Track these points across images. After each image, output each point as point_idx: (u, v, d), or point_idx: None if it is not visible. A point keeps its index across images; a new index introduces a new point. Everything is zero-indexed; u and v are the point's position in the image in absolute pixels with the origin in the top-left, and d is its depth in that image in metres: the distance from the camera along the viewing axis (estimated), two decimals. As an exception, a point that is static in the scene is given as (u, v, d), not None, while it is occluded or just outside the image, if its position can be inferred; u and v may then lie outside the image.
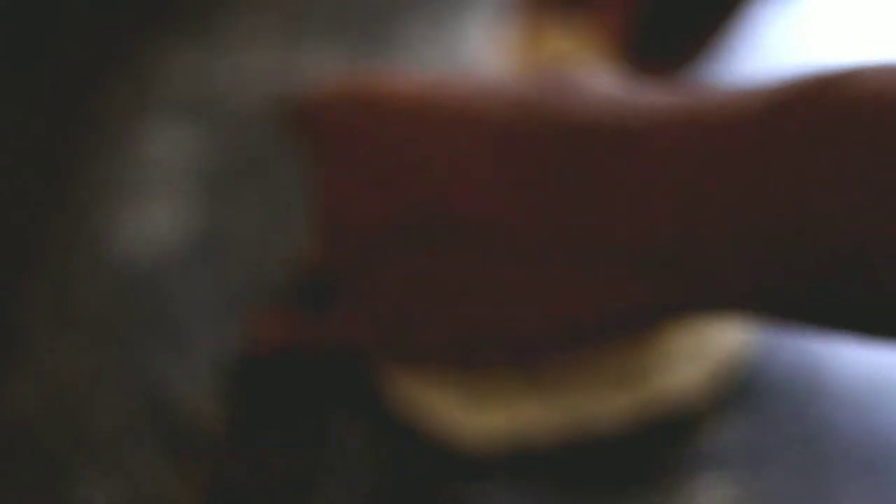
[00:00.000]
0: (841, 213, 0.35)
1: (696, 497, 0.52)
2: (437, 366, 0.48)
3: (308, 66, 0.71)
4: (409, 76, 0.48)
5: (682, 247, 0.40)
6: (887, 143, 0.34)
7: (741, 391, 0.55)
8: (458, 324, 0.46)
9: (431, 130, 0.45)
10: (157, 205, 0.64)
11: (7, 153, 0.66)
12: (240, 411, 0.55)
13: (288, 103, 0.51)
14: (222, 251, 0.61)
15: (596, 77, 0.44)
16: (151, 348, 0.57)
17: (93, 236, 0.62)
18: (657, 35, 0.58)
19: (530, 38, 0.56)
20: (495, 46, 0.57)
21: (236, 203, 0.64)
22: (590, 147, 0.41)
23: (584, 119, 0.42)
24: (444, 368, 0.48)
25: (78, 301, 0.59)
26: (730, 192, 0.38)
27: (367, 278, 0.47)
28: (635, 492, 0.52)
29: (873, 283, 0.36)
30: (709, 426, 0.54)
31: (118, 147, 0.66)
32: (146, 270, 0.60)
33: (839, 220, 0.35)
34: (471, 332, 0.46)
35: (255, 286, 0.60)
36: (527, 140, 0.43)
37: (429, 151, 0.44)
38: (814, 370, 0.56)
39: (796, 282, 0.38)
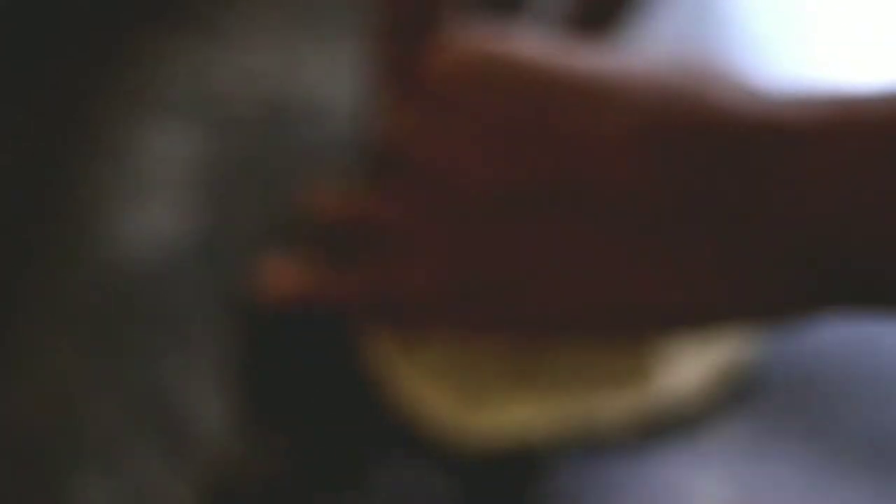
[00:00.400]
0: None
1: (696, 496, 0.52)
2: (514, 334, 0.47)
3: (311, 66, 0.71)
4: (539, 41, 0.47)
5: (834, 238, 0.40)
6: None
7: (741, 390, 0.55)
8: (570, 291, 0.45)
9: (564, 102, 0.44)
10: (157, 204, 0.64)
11: (6, 153, 0.66)
12: (241, 412, 0.55)
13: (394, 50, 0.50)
14: (223, 251, 0.61)
15: (727, 69, 0.44)
16: (152, 349, 0.57)
17: (93, 236, 0.62)
18: None
19: None
20: None
21: (236, 203, 0.64)
22: (744, 141, 0.42)
23: (734, 112, 0.42)
24: (520, 338, 0.47)
25: (78, 301, 0.59)
26: (888, 186, 0.39)
27: (457, 241, 0.46)
28: (634, 491, 0.52)
29: None
30: (709, 425, 0.54)
31: (118, 147, 0.67)
32: (147, 270, 0.60)
33: None
34: (583, 299, 0.45)
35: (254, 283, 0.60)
36: (672, 124, 0.43)
37: (559, 122, 0.44)
38: (813, 368, 0.56)
39: None
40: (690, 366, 0.55)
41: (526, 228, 0.44)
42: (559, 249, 0.44)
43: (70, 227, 0.62)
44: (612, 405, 0.53)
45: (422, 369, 0.54)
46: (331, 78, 0.71)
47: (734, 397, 0.55)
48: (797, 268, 0.42)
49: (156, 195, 0.64)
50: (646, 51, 0.45)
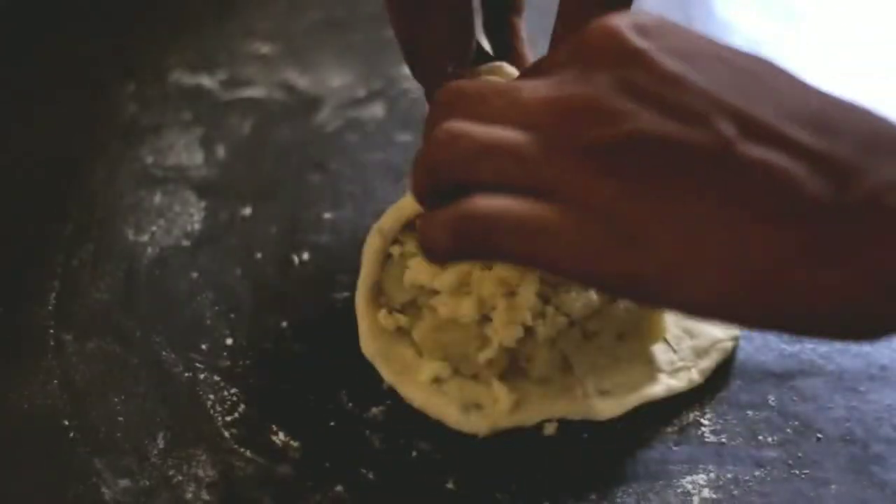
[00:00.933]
0: None
1: (691, 493, 0.52)
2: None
3: (314, 75, 0.71)
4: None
5: None
6: None
7: (735, 389, 0.55)
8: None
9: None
10: (160, 204, 0.64)
11: (11, 154, 0.66)
12: (249, 408, 0.55)
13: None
14: (223, 250, 0.61)
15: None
16: (159, 345, 0.57)
17: (97, 235, 0.62)
18: None
19: None
20: None
21: (236, 203, 0.64)
22: None
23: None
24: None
25: (84, 298, 0.59)
26: None
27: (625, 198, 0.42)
28: (631, 488, 0.52)
29: None
30: (703, 423, 0.54)
31: (121, 150, 0.66)
32: (152, 268, 0.60)
33: None
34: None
35: (255, 283, 0.60)
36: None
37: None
38: (804, 367, 0.56)
39: None
40: (684, 364, 0.55)
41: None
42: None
43: (74, 226, 0.62)
44: (608, 401, 0.53)
45: (426, 379, 0.55)
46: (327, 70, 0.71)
47: (728, 395, 0.55)
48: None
49: (158, 195, 0.64)
50: None
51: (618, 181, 0.40)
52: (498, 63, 0.55)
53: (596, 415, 0.53)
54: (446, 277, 0.53)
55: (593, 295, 0.53)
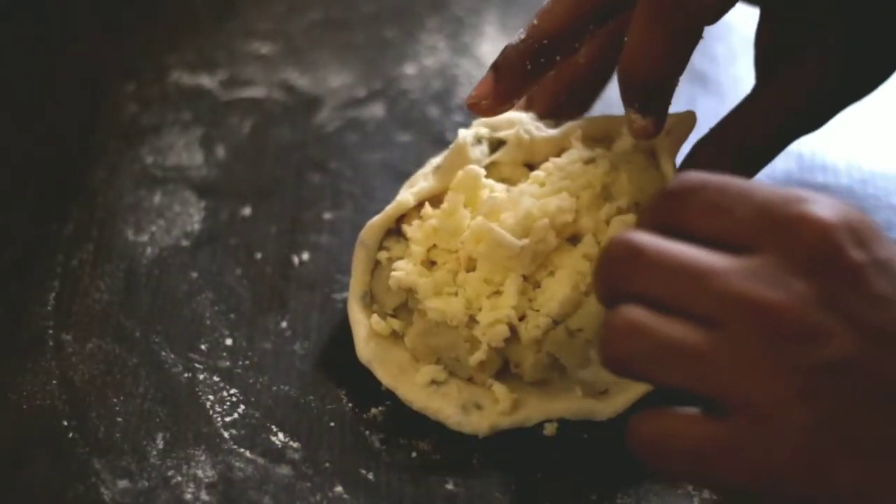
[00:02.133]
0: None
1: (691, 494, 0.52)
2: None
3: (314, 75, 0.71)
4: None
5: None
6: None
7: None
8: None
9: None
10: (159, 204, 0.64)
11: (11, 154, 0.66)
12: (249, 409, 0.55)
13: None
14: (223, 250, 0.61)
15: None
16: (159, 345, 0.57)
17: (97, 235, 0.62)
18: None
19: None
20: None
21: (236, 203, 0.64)
22: None
23: None
24: None
25: (84, 298, 0.59)
26: None
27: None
28: (631, 488, 0.52)
29: None
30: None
31: (121, 150, 0.66)
32: (152, 268, 0.60)
33: None
34: None
35: (255, 283, 0.60)
36: None
37: None
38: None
39: None
40: None
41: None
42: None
43: (75, 226, 0.62)
44: (608, 402, 0.53)
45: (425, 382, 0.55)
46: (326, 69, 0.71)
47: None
48: None
49: (158, 195, 0.64)
50: None
51: (814, 403, 0.39)
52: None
53: (595, 415, 0.53)
54: (426, 281, 0.53)
55: (568, 291, 0.52)
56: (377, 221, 0.55)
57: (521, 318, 0.52)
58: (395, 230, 0.56)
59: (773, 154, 0.54)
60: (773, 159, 0.54)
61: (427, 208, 0.55)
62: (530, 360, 0.53)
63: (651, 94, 0.50)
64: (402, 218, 0.56)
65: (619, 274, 0.42)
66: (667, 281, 0.41)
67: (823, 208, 0.40)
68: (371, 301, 0.56)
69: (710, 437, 0.40)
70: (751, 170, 0.54)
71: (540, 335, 0.52)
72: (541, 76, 0.53)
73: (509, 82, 0.53)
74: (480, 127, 0.56)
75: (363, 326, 0.55)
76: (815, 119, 0.54)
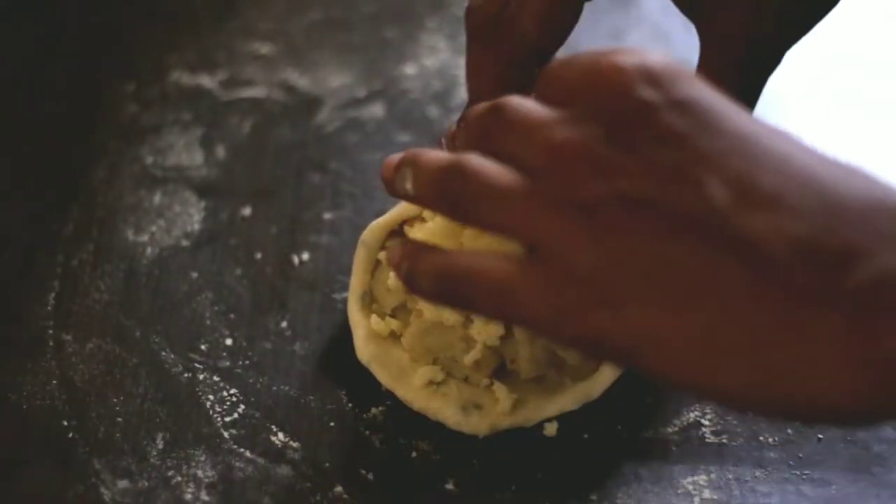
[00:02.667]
0: None
1: (692, 494, 0.52)
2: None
3: (314, 75, 0.71)
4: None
5: None
6: None
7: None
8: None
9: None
10: (159, 204, 0.64)
11: (11, 153, 0.66)
12: (249, 409, 0.55)
13: None
14: (223, 250, 0.61)
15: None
16: (159, 345, 0.57)
17: (97, 235, 0.62)
18: None
19: None
20: None
21: (236, 203, 0.64)
22: None
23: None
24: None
25: (84, 298, 0.59)
26: None
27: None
28: (631, 488, 0.52)
29: None
30: (703, 423, 0.54)
31: (121, 150, 0.66)
32: (152, 268, 0.60)
33: None
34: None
35: (255, 283, 0.60)
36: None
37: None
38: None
39: None
40: None
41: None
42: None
43: (74, 225, 0.62)
44: (598, 378, 0.53)
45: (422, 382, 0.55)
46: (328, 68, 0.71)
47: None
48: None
49: (158, 195, 0.64)
50: None
51: (598, 243, 0.40)
52: None
53: (591, 396, 0.53)
54: None
55: None
56: (380, 223, 0.55)
57: None
58: (397, 230, 0.56)
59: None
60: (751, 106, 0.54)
61: (429, 212, 0.55)
62: (525, 355, 0.53)
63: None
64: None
65: (483, 127, 0.44)
66: (507, 133, 0.43)
67: (624, 56, 0.42)
68: (371, 301, 0.56)
69: (511, 274, 0.41)
70: None
71: None
72: None
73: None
74: None
75: (363, 327, 0.55)
76: (772, 51, 0.53)
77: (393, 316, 0.55)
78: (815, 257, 0.38)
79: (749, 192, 0.39)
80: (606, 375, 0.53)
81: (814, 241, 0.38)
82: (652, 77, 0.41)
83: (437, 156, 0.45)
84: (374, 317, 0.55)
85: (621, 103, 0.41)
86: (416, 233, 0.54)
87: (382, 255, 0.56)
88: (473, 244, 0.52)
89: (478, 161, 0.42)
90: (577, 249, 0.40)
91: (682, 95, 0.41)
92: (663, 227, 0.39)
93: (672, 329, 0.39)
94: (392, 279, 0.54)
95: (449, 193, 0.43)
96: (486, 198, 0.42)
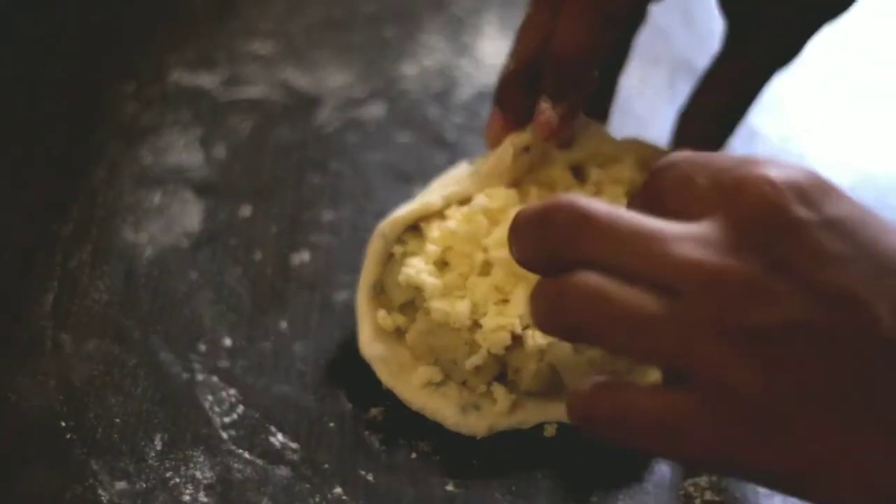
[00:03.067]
0: None
1: (692, 496, 0.52)
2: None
3: (314, 75, 0.71)
4: None
5: None
6: None
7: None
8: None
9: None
10: (159, 204, 0.64)
11: (11, 153, 0.66)
12: (248, 409, 0.55)
13: None
14: (223, 250, 0.61)
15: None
16: (158, 345, 0.57)
17: (96, 235, 0.62)
18: None
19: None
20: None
21: (236, 203, 0.64)
22: None
23: None
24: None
25: (83, 298, 0.59)
26: None
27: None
28: (632, 490, 0.52)
29: None
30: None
31: (121, 150, 0.66)
32: (151, 268, 0.60)
33: None
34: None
35: (255, 283, 0.60)
36: None
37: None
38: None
39: None
40: None
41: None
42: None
43: (74, 225, 0.62)
44: None
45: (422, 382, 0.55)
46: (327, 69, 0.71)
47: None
48: None
49: (158, 195, 0.64)
50: None
51: (767, 370, 0.38)
52: (595, 123, 0.56)
53: None
54: (435, 281, 0.53)
55: None
56: (401, 217, 0.55)
57: (527, 327, 0.52)
58: (413, 225, 0.56)
59: (748, 103, 0.55)
60: (750, 104, 0.55)
61: (452, 208, 0.54)
62: (531, 369, 0.52)
63: (568, 77, 0.51)
64: None
65: (563, 239, 0.41)
66: (617, 248, 0.40)
67: (770, 169, 0.40)
68: (380, 292, 0.56)
69: (669, 409, 0.39)
70: (737, 116, 0.56)
71: (545, 345, 0.52)
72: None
73: (514, 111, 0.54)
74: (526, 133, 0.55)
75: (369, 320, 0.55)
76: (786, 50, 0.53)
77: (400, 311, 0.55)
78: None
79: None
80: None
81: None
82: (805, 194, 0.40)
83: (541, 282, 0.41)
84: (381, 311, 0.55)
85: (776, 222, 0.39)
86: (433, 231, 0.54)
87: (397, 249, 0.55)
88: (498, 252, 0.52)
89: (600, 282, 0.39)
90: (745, 377, 0.38)
91: (834, 214, 0.39)
92: (835, 354, 0.38)
93: (851, 459, 0.38)
94: (402, 275, 0.54)
95: (576, 326, 0.40)
96: (619, 324, 0.39)
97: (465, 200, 0.55)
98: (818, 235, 0.39)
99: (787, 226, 0.39)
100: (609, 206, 0.41)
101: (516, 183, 0.56)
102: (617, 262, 0.40)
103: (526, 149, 0.55)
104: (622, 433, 0.40)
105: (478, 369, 0.53)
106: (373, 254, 0.55)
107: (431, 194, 0.55)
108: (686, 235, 0.39)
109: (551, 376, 0.53)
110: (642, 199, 0.43)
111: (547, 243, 0.41)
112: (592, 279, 0.40)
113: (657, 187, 0.42)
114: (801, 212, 0.39)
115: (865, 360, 0.38)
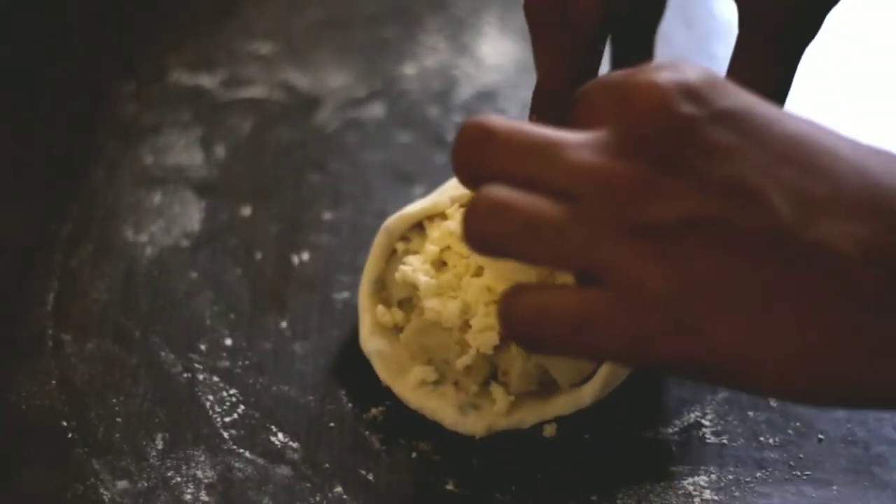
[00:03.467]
0: None
1: (692, 494, 0.52)
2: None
3: (314, 75, 0.71)
4: None
5: None
6: None
7: (735, 395, 0.55)
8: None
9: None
10: (159, 204, 0.64)
11: (11, 153, 0.66)
12: (248, 409, 0.55)
13: None
14: (223, 250, 0.61)
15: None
16: (158, 345, 0.57)
17: (97, 235, 0.62)
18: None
19: None
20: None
21: (236, 203, 0.64)
22: None
23: None
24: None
25: (84, 298, 0.59)
26: None
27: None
28: (632, 489, 0.52)
29: None
30: (704, 424, 0.54)
31: (121, 150, 0.66)
32: (151, 268, 0.60)
33: None
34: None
35: (255, 283, 0.60)
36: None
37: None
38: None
39: None
40: None
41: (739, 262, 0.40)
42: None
43: (74, 225, 0.62)
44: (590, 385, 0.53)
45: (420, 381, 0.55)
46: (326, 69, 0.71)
47: (727, 402, 0.55)
48: None
49: (158, 195, 0.64)
50: None
51: (669, 266, 0.39)
52: None
53: (582, 402, 0.53)
54: (430, 280, 0.53)
55: None
56: (408, 213, 0.55)
57: None
58: (420, 223, 0.55)
59: (786, 79, 0.53)
60: (789, 82, 0.53)
61: (453, 208, 0.54)
62: (518, 369, 0.52)
63: (546, 102, 0.52)
64: None
65: (474, 155, 0.42)
66: (521, 158, 0.41)
67: (658, 73, 0.41)
68: (382, 288, 0.56)
69: (584, 307, 0.40)
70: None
71: None
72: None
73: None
74: None
75: (369, 315, 0.55)
76: (806, 26, 0.52)
77: (399, 307, 0.55)
78: (883, 260, 0.38)
79: (808, 199, 0.39)
80: (596, 386, 0.52)
81: (878, 243, 0.38)
82: (691, 91, 0.40)
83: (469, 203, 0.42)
84: (380, 307, 0.55)
85: (663, 121, 0.40)
86: (434, 231, 0.54)
87: (400, 246, 0.55)
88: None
89: (503, 193, 0.41)
90: (648, 274, 0.39)
91: (723, 107, 0.40)
92: (733, 243, 0.39)
93: (759, 343, 0.39)
94: (399, 272, 0.54)
95: (487, 239, 0.41)
96: (527, 233, 0.40)
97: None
98: (708, 130, 0.40)
99: (675, 124, 0.40)
100: (512, 121, 0.42)
101: None
102: (519, 172, 0.41)
103: None
104: (540, 331, 0.41)
105: (469, 369, 0.53)
106: (376, 248, 0.55)
107: (443, 194, 0.55)
108: (581, 143, 0.41)
109: (540, 376, 0.53)
110: (572, 118, 0.44)
111: (463, 160, 0.43)
112: (494, 191, 0.41)
113: (576, 106, 0.43)
114: (688, 108, 0.40)
115: (761, 247, 0.39)
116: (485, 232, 0.41)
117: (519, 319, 0.41)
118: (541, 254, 0.41)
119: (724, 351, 0.39)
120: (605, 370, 0.52)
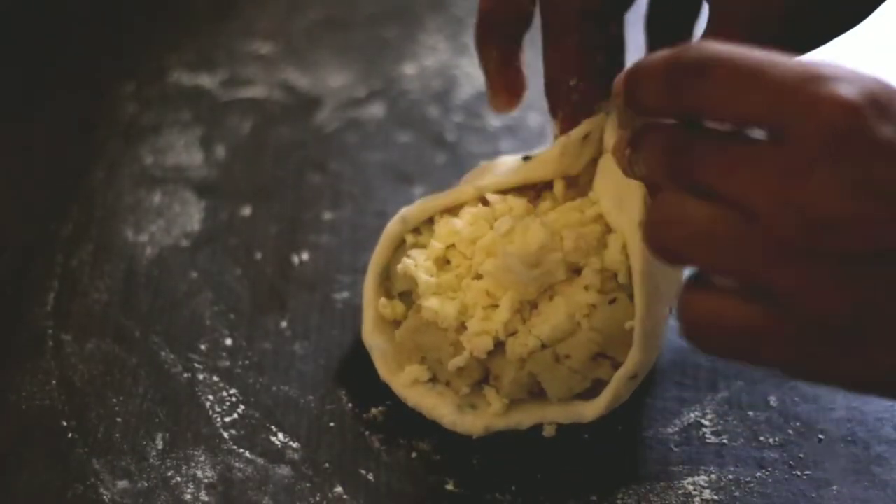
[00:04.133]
0: None
1: (692, 494, 0.52)
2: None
3: (314, 75, 0.71)
4: None
5: None
6: None
7: (737, 389, 0.55)
8: None
9: None
10: (159, 204, 0.64)
11: (11, 153, 0.66)
12: (248, 409, 0.55)
13: None
14: (223, 250, 0.61)
15: None
16: (158, 345, 0.57)
17: (97, 235, 0.62)
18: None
19: None
20: None
21: (236, 203, 0.64)
22: None
23: None
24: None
25: (84, 298, 0.59)
26: None
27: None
28: (632, 489, 0.52)
29: None
30: (704, 424, 0.54)
31: (121, 150, 0.66)
32: (151, 268, 0.60)
33: None
34: None
35: (255, 283, 0.60)
36: None
37: None
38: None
39: None
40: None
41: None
42: None
43: (74, 226, 0.62)
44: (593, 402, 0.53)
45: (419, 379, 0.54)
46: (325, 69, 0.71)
47: (728, 402, 0.55)
48: None
49: (158, 195, 0.64)
50: None
51: (857, 297, 0.38)
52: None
53: (583, 418, 0.52)
54: (429, 279, 0.53)
55: (563, 318, 0.51)
56: (429, 205, 0.55)
57: (513, 334, 0.52)
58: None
59: None
60: None
61: (465, 207, 0.54)
62: (510, 376, 0.52)
63: (549, 95, 0.52)
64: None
65: (668, 160, 0.42)
66: (709, 161, 0.41)
67: (844, 87, 0.39)
68: (387, 279, 0.55)
69: (754, 319, 0.40)
70: None
71: (525, 354, 0.51)
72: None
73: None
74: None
75: (372, 308, 0.55)
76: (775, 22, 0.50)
77: (400, 299, 0.55)
78: None
79: None
80: (600, 406, 0.52)
81: None
82: (884, 110, 0.38)
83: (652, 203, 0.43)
84: (382, 299, 0.55)
85: (863, 145, 0.38)
86: (441, 227, 0.54)
87: (409, 238, 0.55)
88: (483, 259, 0.52)
89: (689, 204, 0.41)
90: (835, 304, 0.39)
91: None
92: None
93: None
94: (401, 264, 0.53)
95: (667, 245, 0.42)
96: (712, 246, 0.40)
97: (501, 191, 0.54)
98: None
99: (873, 145, 0.38)
100: (707, 131, 0.41)
101: (570, 179, 0.54)
102: (705, 179, 0.41)
103: (585, 137, 0.53)
104: (716, 338, 0.41)
105: (460, 371, 0.53)
106: (387, 237, 0.55)
107: (466, 184, 0.55)
108: (767, 158, 0.39)
109: (530, 385, 0.53)
110: (676, 97, 0.42)
111: (671, 86, 0.41)
112: (675, 204, 0.41)
113: (694, 92, 0.41)
114: (885, 130, 0.38)
115: None
116: (663, 239, 0.42)
117: (695, 322, 0.42)
118: (714, 265, 0.41)
119: (890, 372, 0.39)
120: (610, 393, 0.52)
